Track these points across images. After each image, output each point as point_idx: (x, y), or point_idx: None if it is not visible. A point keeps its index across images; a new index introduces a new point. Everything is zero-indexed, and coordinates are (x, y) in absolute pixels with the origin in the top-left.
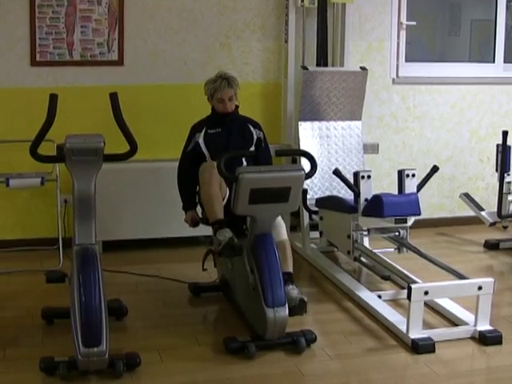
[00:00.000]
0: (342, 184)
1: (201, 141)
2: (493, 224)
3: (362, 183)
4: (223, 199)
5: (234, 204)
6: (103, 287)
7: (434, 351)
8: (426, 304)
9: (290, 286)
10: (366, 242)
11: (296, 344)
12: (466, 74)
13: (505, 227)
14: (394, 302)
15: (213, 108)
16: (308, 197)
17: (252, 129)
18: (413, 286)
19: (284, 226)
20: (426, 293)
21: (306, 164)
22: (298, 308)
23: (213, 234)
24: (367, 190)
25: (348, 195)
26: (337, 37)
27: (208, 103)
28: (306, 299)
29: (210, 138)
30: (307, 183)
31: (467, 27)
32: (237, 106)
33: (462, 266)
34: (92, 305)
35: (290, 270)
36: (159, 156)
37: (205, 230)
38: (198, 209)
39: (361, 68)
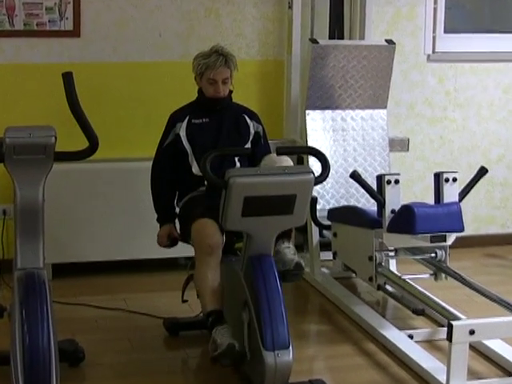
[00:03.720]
0: (362, 191)
1: (182, 133)
2: None
3: (388, 190)
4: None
5: (224, 216)
6: (53, 324)
7: None
8: (471, 347)
9: (285, 244)
10: (393, 265)
11: None
12: None
13: None
14: (430, 344)
15: (200, 91)
16: (318, 207)
17: (249, 121)
18: (454, 323)
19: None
20: (472, 332)
21: (315, 165)
22: (291, 275)
23: (208, 327)
24: (394, 199)
25: (370, 205)
26: (355, 1)
27: (193, 85)
28: (303, 263)
29: (194, 130)
30: (317, 190)
31: None
32: (230, 92)
33: None
34: (38, 347)
35: (290, 231)
36: (128, 154)
37: (185, 250)
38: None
39: (386, 41)
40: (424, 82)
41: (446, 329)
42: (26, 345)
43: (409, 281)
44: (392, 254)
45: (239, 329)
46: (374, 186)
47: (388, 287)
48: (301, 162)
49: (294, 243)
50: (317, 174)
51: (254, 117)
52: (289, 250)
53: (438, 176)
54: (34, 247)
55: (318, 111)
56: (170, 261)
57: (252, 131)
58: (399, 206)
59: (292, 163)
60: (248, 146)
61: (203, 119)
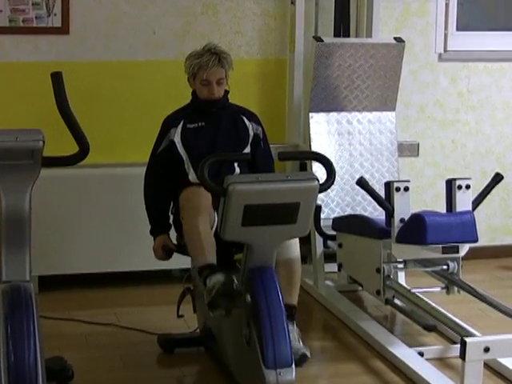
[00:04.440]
0: (369, 199)
1: (177, 139)
2: None
3: (397, 197)
4: (211, 228)
5: (222, 226)
6: (40, 340)
7: None
8: (486, 365)
9: (290, 328)
10: (402, 278)
11: None
12: None
13: None
14: (442, 362)
15: (194, 93)
16: (322, 216)
17: (247, 122)
18: (468, 339)
19: (297, 240)
20: (487, 349)
21: (319, 171)
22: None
23: (201, 282)
24: (404, 207)
25: (377, 214)
26: None
27: (188, 87)
28: (308, 354)
29: (189, 136)
30: (322, 197)
31: None
32: (226, 92)
33: None
34: (24, 365)
35: (294, 302)
36: (120, 159)
37: (180, 262)
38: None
39: (395, 39)
40: (435, 83)
41: (458, 346)
42: (11, 362)
43: (419, 294)
44: (401, 265)
45: (239, 346)
46: (382, 194)
47: (397, 301)
48: (304, 168)
49: (296, 325)
50: (321, 180)
51: (252, 117)
52: (293, 336)
53: (450, 183)
54: (19, 259)
55: (322, 114)
56: (164, 273)
57: (251, 133)
58: (409, 215)
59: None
60: (247, 148)
61: (199, 123)
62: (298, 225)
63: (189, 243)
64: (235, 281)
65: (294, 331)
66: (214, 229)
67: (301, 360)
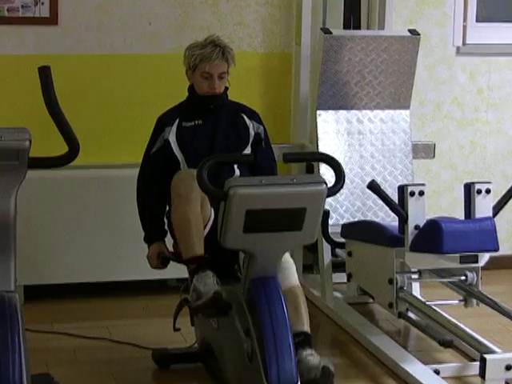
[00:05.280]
0: (381, 203)
1: (172, 139)
2: None
3: (412, 202)
4: (205, 226)
5: (222, 233)
6: (25, 356)
7: None
8: None
9: (308, 351)
10: (417, 289)
11: None
12: None
13: None
14: (459, 381)
15: (191, 88)
16: (330, 222)
17: (248, 120)
18: (488, 356)
19: (294, 266)
20: (509, 368)
21: (327, 174)
22: (321, 380)
23: (188, 278)
24: (419, 213)
25: (390, 220)
26: None
27: (186, 83)
28: (332, 368)
29: (185, 135)
30: (330, 202)
31: None
32: (226, 88)
33: None
34: (9, 382)
35: (307, 329)
36: (112, 160)
37: (177, 271)
38: (169, 239)
39: (410, 32)
40: (452, 79)
41: (477, 363)
42: None
43: (435, 307)
44: (415, 276)
45: (240, 362)
46: (395, 198)
47: (411, 315)
48: (311, 170)
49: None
50: (329, 184)
51: (253, 116)
52: (312, 357)
53: (468, 187)
54: (3, 267)
55: (330, 111)
56: (159, 283)
57: (252, 132)
58: (424, 222)
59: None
60: (248, 149)
61: (195, 121)
62: (304, 232)
63: (177, 233)
64: (223, 294)
65: (313, 355)
66: (208, 227)
67: (324, 374)
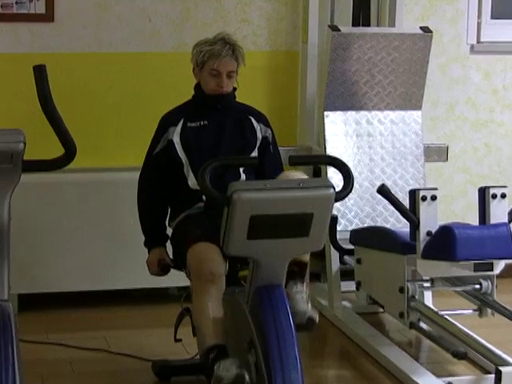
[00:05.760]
0: (391, 209)
1: (176, 139)
2: None
3: (423, 208)
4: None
5: (226, 239)
6: (19, 368)
7: None
8: None
9: (298, 287)
10: (429, 299)
11: None
12: None
13: None
14: None
15: (197, 86)
16: (339, 228)
17: (255, 123)
18: (503, 369)
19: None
20: None
21: (335, 177)
22: (301, 329)
23: (207, 364)
24: (431, 219)
25: (400, 226)
26: None
27: (189, 81)
28: (316, 318)
29: (190, 136)
30: (338, 207)
31: None
32: (234, 89)
33: None
34: None
35: (306, 259)
36: (111, 163)
37: (178, 279)
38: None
39: (422, 29)
40: (466, 79)
41: (493, 376)
42: None
43: (448, 317)
44: (427, 284)
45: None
46: (406, 203)
47: (422, 325)
48: (318, 173)
49: (307, 285)
50: (337, 188)
51: (261, 119)
52: (301, 297)
53: (483, 191)
54: None
55: (338, 112)
56: (159, 291)
57: (259, 136)
58: (436, 228)
59: None
60: (255, 153)
61: (201, 122)
62: (311, 238)
63: (197, 321)
64: (246, 378)
65: (303, 292)
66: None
67: (308, 324)
